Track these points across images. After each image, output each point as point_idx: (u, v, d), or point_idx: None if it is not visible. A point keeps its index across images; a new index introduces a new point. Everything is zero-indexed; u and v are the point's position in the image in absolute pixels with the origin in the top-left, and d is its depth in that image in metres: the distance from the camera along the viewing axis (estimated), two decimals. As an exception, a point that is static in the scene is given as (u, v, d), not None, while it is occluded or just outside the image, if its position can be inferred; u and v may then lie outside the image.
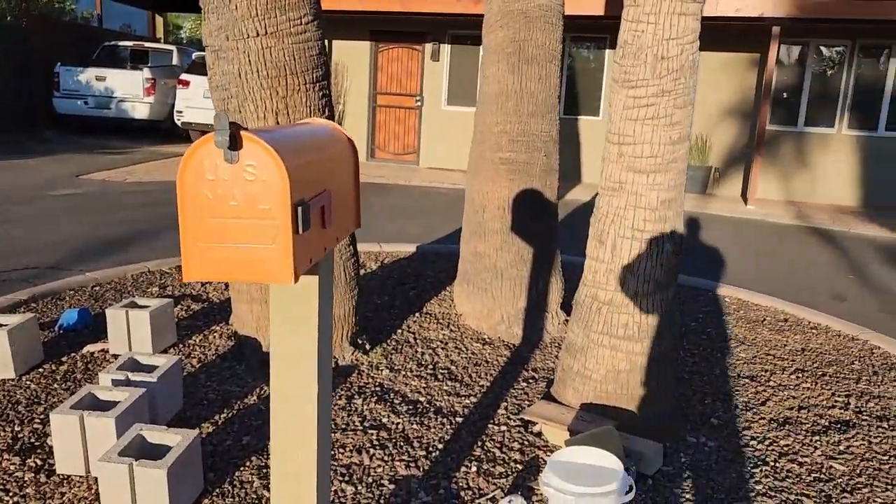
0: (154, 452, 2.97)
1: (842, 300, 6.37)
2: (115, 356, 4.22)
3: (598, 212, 3.50)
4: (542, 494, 3.11)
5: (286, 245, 1.53)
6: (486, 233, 4.85)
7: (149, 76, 15.15)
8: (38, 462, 3.19)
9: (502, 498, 3.04)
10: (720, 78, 12.12)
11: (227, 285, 5.51)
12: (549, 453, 3.43)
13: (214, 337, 4.57)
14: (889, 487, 3.26)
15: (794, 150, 12.03)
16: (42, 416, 3.50)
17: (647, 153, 3.30)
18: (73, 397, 3.15)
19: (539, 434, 3.57)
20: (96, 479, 3.09)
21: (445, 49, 13.18)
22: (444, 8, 11.54)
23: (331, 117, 4.13)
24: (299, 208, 1.55)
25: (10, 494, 2.96)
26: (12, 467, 3.11)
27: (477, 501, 3.06)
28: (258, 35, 3.83)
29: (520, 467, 3.32)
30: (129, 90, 15.11)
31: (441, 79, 13.27)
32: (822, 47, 11.69)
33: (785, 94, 11.97)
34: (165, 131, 16.06)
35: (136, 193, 9.78)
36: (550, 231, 4.97)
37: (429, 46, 13.22)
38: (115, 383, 3.40)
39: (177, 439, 2.95)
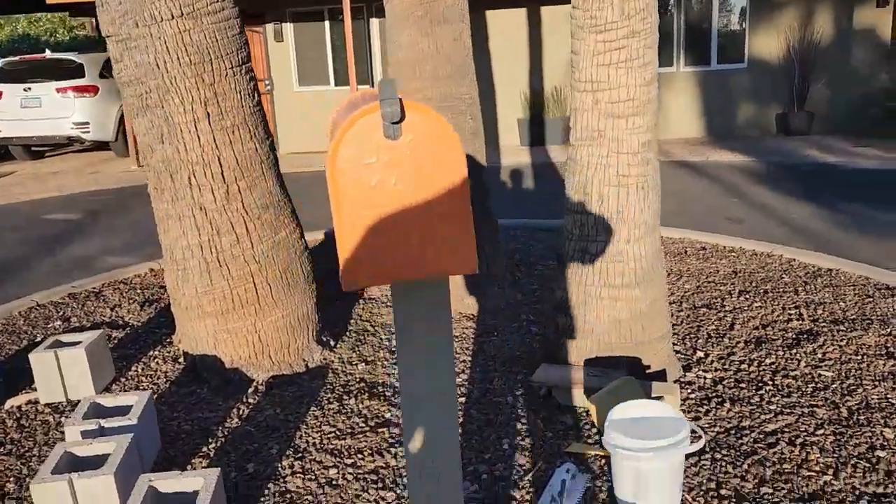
0: (174, 502, 2.58)
1: (739, 222, 6.78)
2: (52, 405, 3.65)
3: (577, 164, 3.42)
4: (584, 456, 3.04)
5: (467, 227, 1.31)
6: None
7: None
8: (17, 544, 2.69)
9: (557, 467, 2.94)
10: (569, 30, 12.48)
11: (142, 306, 4.95)
12: (566, 415, 3.36)
13: (157, 363, 4.08)
14: (877, 382, 3.49)
15: (639, 92, 12.63)
16: (13, 496, 2.96)
17: (623, 97, 3.25)
18: (47, 462, 2.66)
19: (549, 397, 3.48)
20: (100, 547, 2.65)
21: (288, 28, 12.58)
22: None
23: (259, 102, 3.75)
24: (468, 182, 1.32)
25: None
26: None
27: (526, 478, 2.93)
28: (173, 17, 3.37)
29: (549, 434, 3.22)
30: None
31: (289, 60, 12.68)
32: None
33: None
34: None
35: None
36: (486, 196, 4.86)
37: (270, 27, 12.56)
38: (87, 435, 2.92)
39: (198, 483, 2.58)
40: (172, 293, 3.83)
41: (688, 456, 2.90)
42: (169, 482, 2.59)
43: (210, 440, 3.33)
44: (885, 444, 3.01)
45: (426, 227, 1.28)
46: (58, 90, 12.39)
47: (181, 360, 4.04)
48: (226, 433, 3.38)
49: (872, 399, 3.35)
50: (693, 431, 2.77)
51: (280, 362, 3.87)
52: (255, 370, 3.83)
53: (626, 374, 3.41)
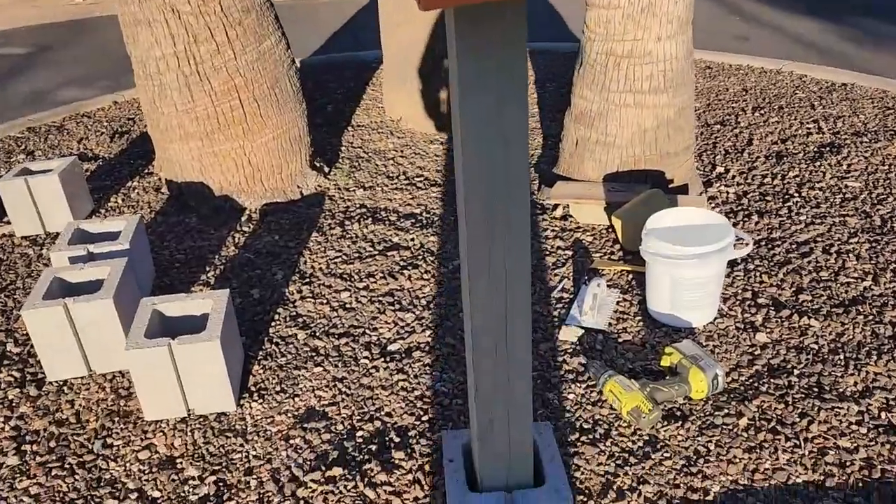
0: (181, 327, 2.37)
1: (745, 39, 6.43)
2: (29, 238, 3.36)
3: (602, -48, 3.02)
4: (609, 271, 2.88)
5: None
6: (420, 15, 4.22)
7: None
8: (16, 375, 2.49)
9: (584, 284, 2.77)
10: None
11: (112, 138, 4.55)
12: (586, 233, 3.17)
13: (138, 194, 3.77)
14: (907, 192, 3.34)
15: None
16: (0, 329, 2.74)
17: None
18: (36, 288, 2.41)
19: (566, 217, 3.28)
20: (107, 375, 2.46)
21: None
22: None
23: None
24: None
25: (3, 417, 2.30)
26: (-19, 391, 2.41)
27: (552, 296, 2.77)
28: None
29: (569, 252, 3.05)
30: None
31: None
32: None
33: None
34: None
35: None
36: None
37: None
38: (75, 261, 2.66)
39: (206, 305, 2.36)
40: (148, 113, 3.45)
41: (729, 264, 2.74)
42: (174, 305, 2.37)
43: (207, 268, 3.10)
44: (922, 249, 2.90)
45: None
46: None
47: (164, 189, 3.73)
48: (223, 261, 3.15)
49: (903, 207, 3.21)
50: (738, 238, 2.60)
51: (273, 189, 3.59)
52: (247, 197, 3.55)
53: (648, 187, 3.20)
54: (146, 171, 4.01)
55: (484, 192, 1.38)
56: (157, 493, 2.05)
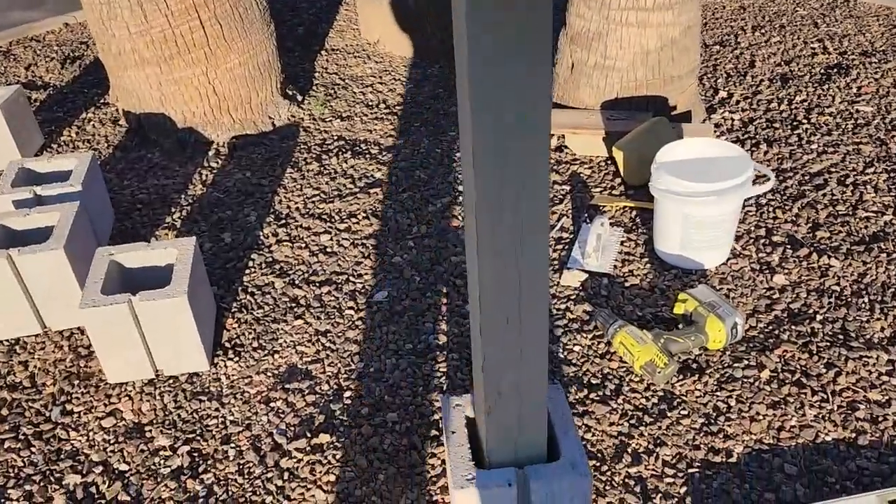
0: (143, 280, 2.13)
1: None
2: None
3: None
4: (610, 207, 2.67)
5: None
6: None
7: None
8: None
9: (585, 222, 2.56)
10: None
11: (63, 64, 4.17)
12: (584, 166, 2.94)
13: (94, 126, 3.44)
14: (923, 117, 3.13)
15: None
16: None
17: None
18: (-25, 238, 2.14)
19: (560, 149, 3.04)
20: (65, 332, 2.22)
21: None
22: None
23: None
24: None
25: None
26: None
27: (552, 235, 2.56)
28: None
29: (567, 188, 2.82)
30: None
31: None
32: None
33: None
34: None
35: None
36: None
37: None
38: (21, 205, 2.38)
39: (170, 255, 2.11)
40: (98, 36, 3.10)
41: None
42: (134, 255, 2.12)
43: (173, 209, 2.83)
44: (943, 180, 2.71)
45: None
46: None
47: (122, 121, 3.40)
48: (190, 201, 2.88)
49: (920, 134, 3.01)
50: (759, 174, 2.39)
51: (242, 120, 3.29)
52: (214, 130, 3.25)
53: (650, 115, 2.96)
54: (102, 101, 3.67)
55: (495, 118, 1.13)
56: (124, 466, 1.85)
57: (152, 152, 3.20)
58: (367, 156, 3.11)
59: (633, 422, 1.88)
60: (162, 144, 3.22)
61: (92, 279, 1.99)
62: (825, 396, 1.91)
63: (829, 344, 2.05)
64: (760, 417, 1.87)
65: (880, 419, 1.84)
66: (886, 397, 1.89)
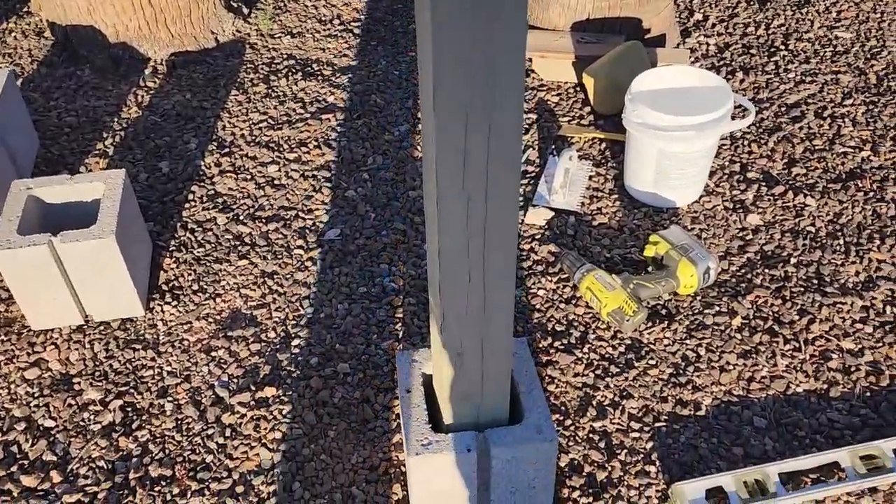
0: (66, 217, 1.93)
1: None
2: None
3: None
4: (578, 139, 2.51)
5: None
6: None
7: None
8: None
9: (551, 154, 2.40)
10: None
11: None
12: (551, 93, 2.76)
13: (16, 39, 3.12)
14: (904, 45, 3.00)
15: None
16: None
17: None
18: None
19: (526, 73, 2.85)
20: (-22, 275, 2.03)
21: None
22: None
23: None
24: None
25: None
26: None
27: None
28: None
29: (532, 116, 2.65)
30: None
31: None
32: None
33: None
34: None
35: None
36: None
37: None
38: (-73, 132, 2.13)
39: (97, 189, 1.91)
40: (15, -62, 2.77)
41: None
42: (57, 190, 1.91)
43: (104, 134, 2.59)
44: (922, 114, 2.60)
45: None
46: None
47: (47, 33, 3.09)
48: (124, 125, 2.64)
49: (901, 65, 2.89)
50: (738, 106, 2.25)
51: (182, 35, 3.01)
52: (150, 45, 2.97)
53: (623, 39, 2.77)
54: (24, 9, 3.33)
55: (461, 37, 0.96)
56: (49, 422, 1.70)
57: (82, 69, 2.92)
58: (319, 77, 2.87)
59: (598, 372, 1.78)
60: (93, 61, 2.94)
61: (7, 217, 1.79)
62: (797, 345, 1.83)
63: (802, 289, 1.97)
64: (731, 367, 1.79)
65: (853, 369, 1.77)
66: (859, 346, 1.82)
